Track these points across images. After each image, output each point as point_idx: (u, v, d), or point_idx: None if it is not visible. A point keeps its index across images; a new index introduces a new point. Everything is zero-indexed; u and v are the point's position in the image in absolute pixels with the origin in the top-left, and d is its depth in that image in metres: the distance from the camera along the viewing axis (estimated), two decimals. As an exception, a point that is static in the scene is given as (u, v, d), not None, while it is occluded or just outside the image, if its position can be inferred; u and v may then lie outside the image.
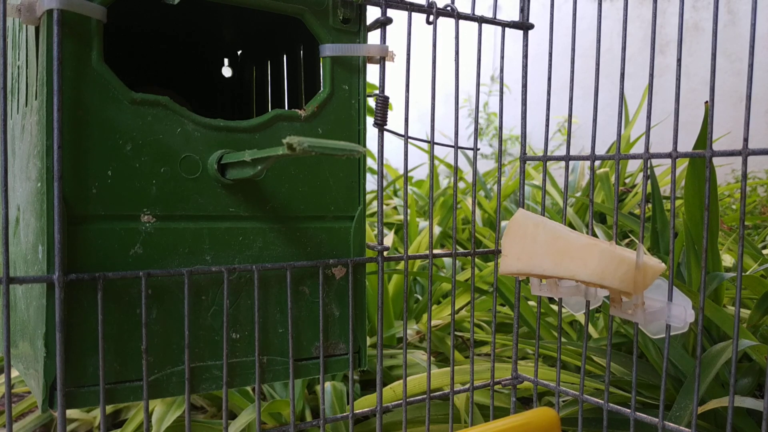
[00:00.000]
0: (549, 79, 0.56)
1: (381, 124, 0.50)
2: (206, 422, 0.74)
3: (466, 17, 0.54)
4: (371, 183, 2.55)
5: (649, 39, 3.07)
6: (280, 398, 0.80)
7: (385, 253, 0.57)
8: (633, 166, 1.89)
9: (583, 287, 0.52)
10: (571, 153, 1.42)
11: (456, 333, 1.13)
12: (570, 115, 0.55)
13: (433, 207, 1.70)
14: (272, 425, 0.79)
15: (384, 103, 0.50)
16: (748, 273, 0.90)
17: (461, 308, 1.15)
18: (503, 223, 1.32)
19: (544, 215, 0.54)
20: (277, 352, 0.47)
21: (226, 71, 0.72)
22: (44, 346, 0.39)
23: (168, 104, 0.42)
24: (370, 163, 2.13)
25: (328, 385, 0.78)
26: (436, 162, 2.30)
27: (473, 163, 0.58)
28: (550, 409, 0.49)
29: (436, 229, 1.54)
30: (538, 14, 0.67)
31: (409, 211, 1.36)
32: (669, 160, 1.00)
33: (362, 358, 0.50)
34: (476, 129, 0.55)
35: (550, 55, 0.56)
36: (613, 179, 1.53)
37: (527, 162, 1.11)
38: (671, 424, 0.49)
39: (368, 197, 1.77)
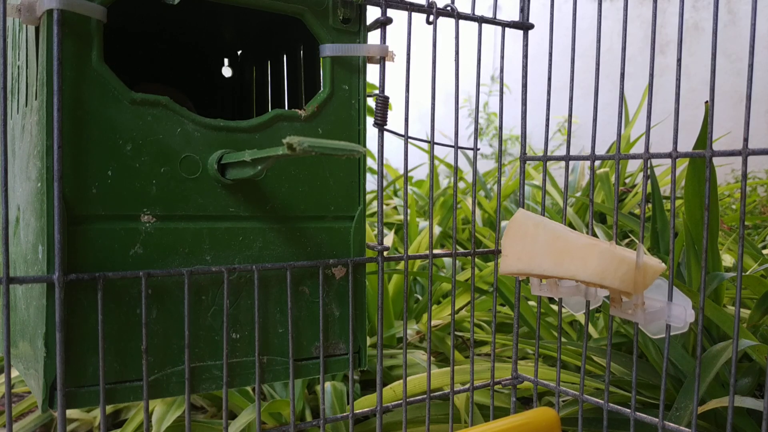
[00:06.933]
0: (549, 79, 0.56)
1: (381, 124, 0.50)
2: (206, 422, 0.74)
3: (466, 17, 0.54)
4: (371, 183, 2.55)
5: (649, 39, 3.07)
6: (280, 398, 0.80)
7: (385, 253, 0.57)
8: (633, 166, 1.89)
9: (583, 287, 0.52)
10: (571, 153, 1.42)
11: (456, 333, 1.13)
12: (570, 115, 0.55)
13: (433, 207, 1.70)
14: (272, 425, 0.79)
15: (384, 103, 0.50)
16: (748, 273, 0.90)
17: (461, 308, 1.15)
18: (503, 223, 1.32)
19: (544, 215, 0.54)
20: (277, 352, 0.47)
21: (226, 71, 0.72)
22: (44, 346, 0.39)
23: (168, 104, 0.42)
24: (370, 163, 2.13)
25: (328, 385, 0.78)
26: (436, 162, 2.30)
27: (473, 163, 0.58)
28: (550, 409, 0.49)
29: (436, 229, 1.54)
30: (538, 14, 0.67)
31: (409, 211, 1.36)
32: (669, 160, 1.00)
33: (362, 358, 0.50)
34: (476, 129, 0.55)
35: (550, 55, 0.55)
36: (613, 179, 1.53)
37: (527, 162, 1.11)
38: (671, 424, 0.49)
39: (368, 197, 1.77)
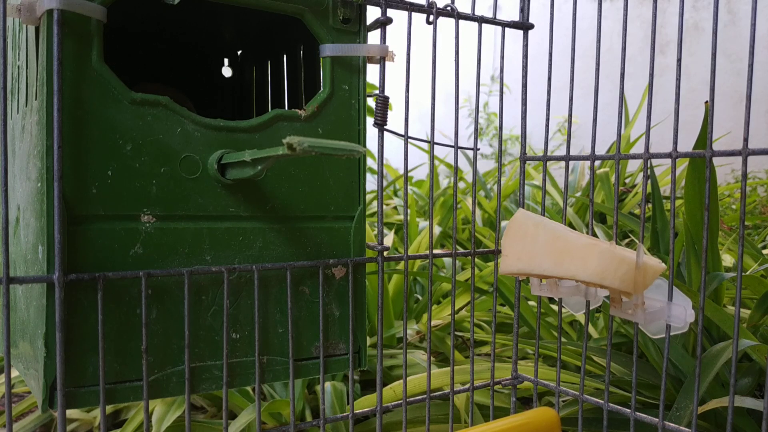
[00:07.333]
0: (549, 79, 0.56)
1: (381, 124, 0.50)
2: (206, 422, 0.74)
3: (466, 17, 0.54)
4: (371, 183, 2.55)
5: (649, 39, 3.07)
6: (280, 398, 0.80)
7: (385, 253, 0.57)
8: (633, 166, 1.89)
9: (583, 287, 0.52)
10: (571, 153, 1.42)
11: (456, 333, 1.13)
12: (570, 115, 0.55)
13: (433, 207, 1.70)
14: (272, 425, 0.79)
15: (384, 103, 0.50)
16: (748, 273, 0.90)
17: (461, 308, 1.15)
18: (503, 223, 1.32)
19: (544, 215, 0.54)
20: (277, 352, 0.47)
21: (226, 71, 0.72)
22: (44, 346, 0.39)
23: (168, 104, 0.42)
24: (370, 163, 2.13)
25: (328, 385, 0.78)
26: (436, 162, 2.30)
27: (473, 163, 0.58)
28: (550, 409, 0.49)
29: (436, 229, 1.54)
30: (538, 14, 0.67)
31: (409, 211, 1.36)
32: (669, 160, 1.00)
33: (362, 358, 0.50)
34: (476, 129, 0.55)
35: (550, 55, 0.55)
36: (613, 179, 1.53)
37: (527, 162, 1.11)
38: (671, 424, 0.49)
39: (368, 197, 1.77)
